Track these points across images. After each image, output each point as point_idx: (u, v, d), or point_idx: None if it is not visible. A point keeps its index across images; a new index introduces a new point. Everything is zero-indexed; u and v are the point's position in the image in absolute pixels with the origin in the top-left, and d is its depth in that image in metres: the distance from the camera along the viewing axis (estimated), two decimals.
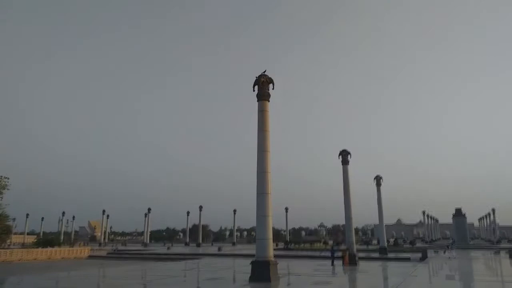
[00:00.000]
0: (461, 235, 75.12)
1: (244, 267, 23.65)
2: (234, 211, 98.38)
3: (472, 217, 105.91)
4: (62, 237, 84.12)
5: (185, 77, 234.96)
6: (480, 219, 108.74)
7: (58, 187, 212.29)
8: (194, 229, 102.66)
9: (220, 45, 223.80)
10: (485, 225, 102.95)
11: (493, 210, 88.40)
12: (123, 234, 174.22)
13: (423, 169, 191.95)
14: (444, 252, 44.13)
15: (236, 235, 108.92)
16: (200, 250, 60.43)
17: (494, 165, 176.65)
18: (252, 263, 18.97)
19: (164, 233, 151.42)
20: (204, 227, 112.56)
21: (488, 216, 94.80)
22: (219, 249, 59.67)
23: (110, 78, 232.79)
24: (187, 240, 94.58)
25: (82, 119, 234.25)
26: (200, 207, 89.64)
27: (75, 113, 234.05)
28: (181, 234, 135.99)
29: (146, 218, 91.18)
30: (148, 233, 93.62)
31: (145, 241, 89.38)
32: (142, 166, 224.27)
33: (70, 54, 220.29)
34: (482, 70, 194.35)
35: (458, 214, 76.95)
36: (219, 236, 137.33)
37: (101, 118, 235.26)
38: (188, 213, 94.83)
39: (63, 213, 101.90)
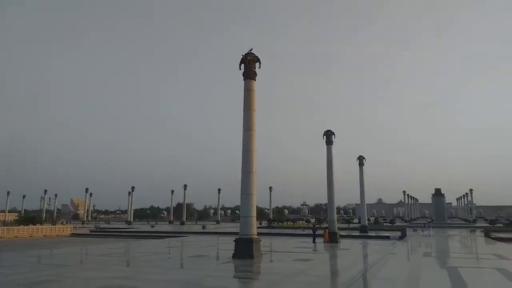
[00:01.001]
0: (439, 214, 77.30)
1: (228, 245, 23.97)
2: (219, 189, 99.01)
3: (450, 197, 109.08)
4: (44, 215, 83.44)
5: (176, 55, 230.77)
6: (458, 199, 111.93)
7: (40, 165, 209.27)
8: (179, 207, 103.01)
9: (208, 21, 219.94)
10: (463, 205, 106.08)
11: (471, 191, 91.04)
12: (106, 212, 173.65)
13: (405, 151, 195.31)
14: (422, 230, 45.49)
15: (221, 214, 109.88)
16: (184, 228, 60.76)
17: (472, 146, 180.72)
18: (235, 240, 19.26)
19: (148, 212, 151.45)
20: (189, 206, 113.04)
21: (465, 196, 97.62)
22: (203, 227, 60.14)
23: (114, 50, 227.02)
24: (171, 218, 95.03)
25: (66, 92, 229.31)
26: (185, 186, 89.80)
27: (58, 86, 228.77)
28: (165, 213, 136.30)
29: (130, 196, 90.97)
30: (132, 211, 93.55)
31: (128, 219, 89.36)
32: (127, 145, 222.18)
33: None
34: (483, 45, 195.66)
35: (437, 194, 78.95)
36: (203, 215, 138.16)
37: (87, 93, 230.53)
38: (172, 191, 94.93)
39: (45, 191, 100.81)
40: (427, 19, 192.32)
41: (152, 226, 69.93)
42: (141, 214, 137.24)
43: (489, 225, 60.39)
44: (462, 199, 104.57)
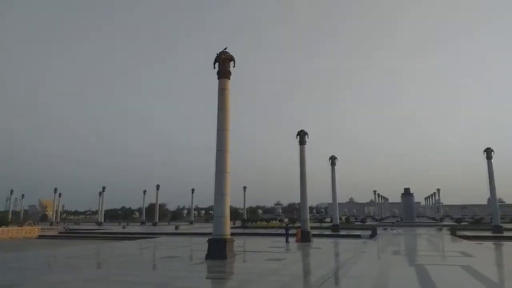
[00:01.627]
0: (408, 213, 79.45)
1: (201, 245, 23.88)
2: (192, 190, 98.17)
3: (419, 197, 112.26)
4: (10, 216, 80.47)
5: (148, 56, 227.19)
6: (426, 198, 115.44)
7: (7, 164, 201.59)
8: (151, 208, 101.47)
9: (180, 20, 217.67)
10: (431, 204, 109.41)
11: (438, 190, 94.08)
12: (76, 213, 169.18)
13: (376, 151, 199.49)
14: (391, 229, 46.73)
15: (194, 214, 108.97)
16: (157, 229, 60.00)
17: (441, 147, 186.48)
18: (208, 240, 19.21)
19: (120, 212, 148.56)
20: (161, 206, 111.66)
21: (433, 196, 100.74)
22: (176, 227, 59.57)
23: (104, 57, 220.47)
24: (144, 219, 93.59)
25: (34, 91, 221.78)
26: (157, 186, 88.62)
27: (23, 84, 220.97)
28: (137, 213, 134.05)
29: (101, 197, 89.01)
30: (103, 212, 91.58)
31: (99, 220, 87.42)
32: (97, 144, 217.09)
33: None
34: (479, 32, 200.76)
35: (406, 193, 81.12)
36: (176, 215, 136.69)
37: (54, 90, 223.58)
38: (144, 192, 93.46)
39: (11, 191, 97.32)
40: (395, 22, 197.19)
41: (124, 227, 68.67)
42: (113, 215, 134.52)
43: (455, 224, 62.62)
44: (430, 198, 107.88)
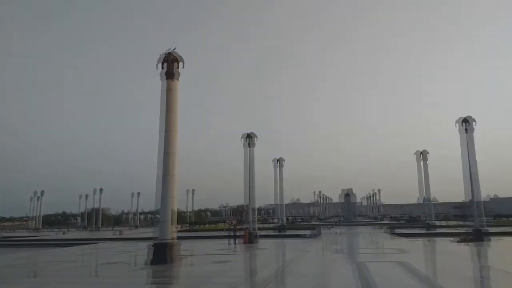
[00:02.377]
0: (350, 212, 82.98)
1: (146, 250, 23.32)
2: (138, 193, 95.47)
3: (360, 196, 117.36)
4: None
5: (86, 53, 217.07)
6: (366, 198, 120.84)
7: None
8: (93, 213, 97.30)
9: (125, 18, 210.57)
10: (371, 203, 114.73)
11: (378, 190, 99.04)
12: (10, 219, 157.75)
13: (320, 152, 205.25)
14: (331, 228, 48.68)
15: (139, 218, 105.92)
16: (99, 235, 57.64)
17: (382, 147, 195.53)
18: (153, 245, 18.85)
19: (60, 218, 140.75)
20: (104, 211, 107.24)
21: (373, 196, 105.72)
22: (120, 232, 57.65)
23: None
24: (85, 224, 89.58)
25: None
26: (100, 190, 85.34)
27: None
28: (78, 218, 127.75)
29: (38, 202, 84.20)
30: (41, 218, 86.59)
31: (36, 226, 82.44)
32: (35, 147, 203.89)
33: None
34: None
35: (348, 193, 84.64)
36: (120, 220, 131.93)
37: None
38: (86, 196, 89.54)
39: None
40: (352, 18, 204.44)
41: (63, 233, 65.25)
42: (52, 221, 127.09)
43: (393, 222, 66.17)
44: (370, 198, 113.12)
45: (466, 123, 30.32)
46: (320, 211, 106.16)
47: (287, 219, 68.90)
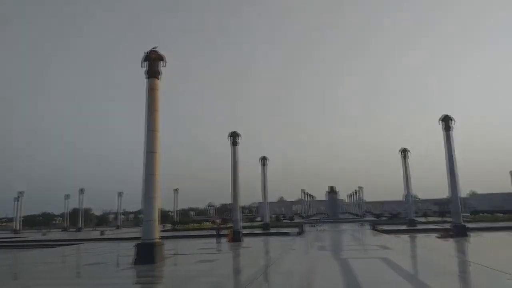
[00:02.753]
0: (333, 210, 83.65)
1: (129, 250, 23.09)
2: (120, 193, 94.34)
3: (343, 194, 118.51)
4: None
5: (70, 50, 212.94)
6: (349, 195, 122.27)
7: None
8: (75, 213, 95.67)
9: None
10: (354, 201, 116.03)
11: (360, 188, 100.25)
12: None
13: (307, 150, 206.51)
14: (315, 226, 49.14)
15: (122, 218, 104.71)
16: (81, 235, 56.72)
17: (366, 145, 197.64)
18: (136, 245, 18.70)
19: (41, 218, 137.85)
20: (86, 211, 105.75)
21: (356, 193, 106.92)
22: (102, 233, 56.90)
23: None
24: (66, 225, 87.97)
25: None
26: (82, 190, 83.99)
27: None
28: (60, 219, 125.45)
29: (18, 202, 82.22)
30: (21, 219, 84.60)
31: (15, 227, 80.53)
32: (15, 146, 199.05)
33: None
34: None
35: (331, 191, 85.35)
36: (103, 220, 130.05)
37: None
38: (67, 196, 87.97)
39: None
40: (328, 16, 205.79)
41: (44, 234, 64.02)
42: (32, 222, 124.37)
43: (376, 219, 67.07)
44: (353, 195, 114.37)
45: (446, 121, 30.97)
46: (303, 208, 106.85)
47: (271, 217, 69.11)
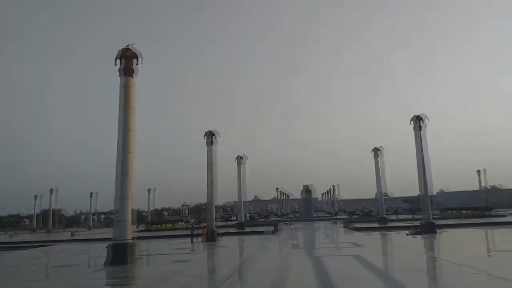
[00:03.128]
0: (307, 208, 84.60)
1: (101, 252, 22.66)
2: (91, 193, 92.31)
3: (317, 192, 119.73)
4: None
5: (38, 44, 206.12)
6: (323, 194, 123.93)
7: None
8: (44, 214, 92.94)
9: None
10: (328, 199, 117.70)
11: (333, 186, 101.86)
12: None
13: (279, 149, 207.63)
14: (289, 224, 49.62)
15: (94, 219, 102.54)
16: (51, 237, 55.15)
17: (336, 145, 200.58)
18: (108, 246, 18.39)
19: (10, 219, 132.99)
20: (56, 212, 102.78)
21: (329, 191, 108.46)
22: (73, 234, 55.58)
23: None
24: (35, 226, 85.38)
25: None
26: (51, 190, 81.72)
27: None
28: (27, 220, 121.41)
29: None
30: None
31: None
32: None
33: None
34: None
35: (306, 190, 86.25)
36: (74, 221, 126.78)
37: None
38: (36, 197, 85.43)
39: None
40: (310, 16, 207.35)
41: (10, 236, 61.89)
42: (3, 223, 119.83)
43: (348, 217, 68.25)
44: (327, 194, 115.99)
45: (417, 121, 31.81)
46: (277, 207, 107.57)
47: (246, 216, 69.22)
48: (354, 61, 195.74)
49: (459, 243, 24.40)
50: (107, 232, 53.68)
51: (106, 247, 18.50)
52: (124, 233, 18.46)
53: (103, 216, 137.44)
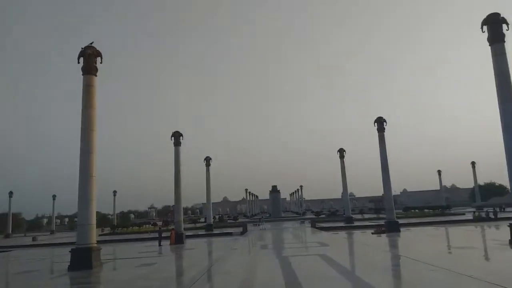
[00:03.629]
0: (275, 209, 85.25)
1: (64, 256, 21.94)
2: (53, 196, 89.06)
3: (285, 193, 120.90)
4: None
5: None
6: (291, 194, 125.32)
7: None
8: (3, 218, 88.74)
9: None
10: (295, 199, 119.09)
11: (301, 187, 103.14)
12: None
13: (248, 151, 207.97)
14: (258, 225, 49.88)
15: (56, 223, 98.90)
16: (10, 242, 52.86)
17: (304, 147, 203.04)
18: (71, 251, 17.85)
19: None
20: (16, 216, 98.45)
21: (297, 192, 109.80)
22: (34, 239, 53.40)
23: None
24: None
25: None
26: (10, 193, 78.15)
27: None
28: None
29: None
30: None
31: None
32: None
33: None
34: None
35: (274, 190, 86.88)
36: (35, 225, 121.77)
37: None
38: None
39: None
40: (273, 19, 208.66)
41: None
42: None
43: (315, 217, 69.30)
44: (294, 194, 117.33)
45: (380, 123, 32.75)
46: (247, 208, 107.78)
47: (214, 217, 68.89)
48: (319, 61, 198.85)
49: (421, 241, 25.27)
50: (71, 236, 52.01)
51: (70, 251, 17.95)
52: (88, 236, 17.98)
53: (66, 219, 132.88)
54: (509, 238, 18.52)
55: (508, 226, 19.10)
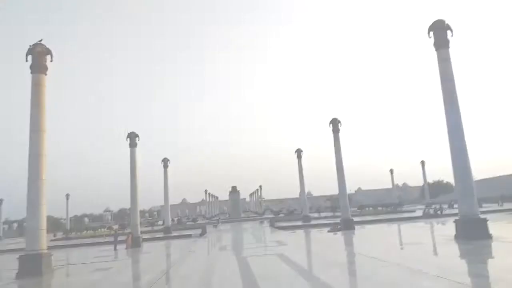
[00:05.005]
0: (235, 209, 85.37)
1: (12, 263, 20.82)
2: (0, 200, 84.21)
3: (245, 193, 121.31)
4: None
5: None
6: (250, 195, 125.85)
7: None
8: None
9: None
10: (254, 199, 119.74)
11: (260, 187, 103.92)
12: None
13: (207, 151, 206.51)
14: (215, 226, 49.85)
15: (4, 228, 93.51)
16: None
17: (262, 148, 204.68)
18: (20, 257, 17.02)
19: None
20: None
21: (256, 192, 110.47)
22: None
23: None
24: None
25: None
26: None
27: None
28: None
29: None
30: None
31: None
32: None
33: None
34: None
35: (233, 191, 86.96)
36: None
37: None
38: None
39: None
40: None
41: None
42: None
43: (274, 216, 70.03)
44: (254, 194, 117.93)
45: (335, 124, 33.60)
46: (206, 209, 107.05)
47: (173, 220, 67.85)
48: (267, 63, 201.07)
49: (374, 238, 26.24)
50: (20, 242, 49.33)
51: (18, 258, 17.11)
52: (38, 242, 17.25)
53: (15, 224, 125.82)
54: (455, 233, 19.64)
55: (454, 222, 20.26)
